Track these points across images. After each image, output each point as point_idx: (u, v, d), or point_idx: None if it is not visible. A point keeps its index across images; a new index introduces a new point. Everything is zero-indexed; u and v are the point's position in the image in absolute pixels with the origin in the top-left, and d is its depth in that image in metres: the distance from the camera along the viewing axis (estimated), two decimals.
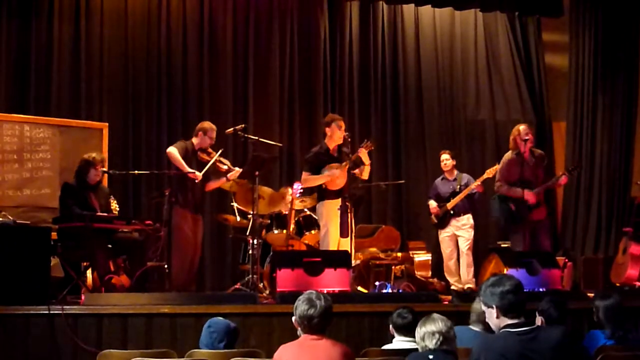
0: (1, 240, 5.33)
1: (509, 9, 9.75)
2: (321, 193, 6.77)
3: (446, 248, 7.67)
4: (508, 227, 7.28)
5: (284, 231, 7.22)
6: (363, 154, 6.59)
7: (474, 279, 7.38)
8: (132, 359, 3.85)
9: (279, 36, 9.10)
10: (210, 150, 6.68)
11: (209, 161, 6.56)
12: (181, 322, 5.20)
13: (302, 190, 7.36)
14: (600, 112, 9.30)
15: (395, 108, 9.51)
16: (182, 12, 8.83)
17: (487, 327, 3.90)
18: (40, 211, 7.34)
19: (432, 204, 7.78)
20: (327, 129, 6.80)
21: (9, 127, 7.43)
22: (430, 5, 9.52)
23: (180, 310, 5.28)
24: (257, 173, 6.51)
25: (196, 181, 6.51)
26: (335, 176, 6.60)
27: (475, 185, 7.54)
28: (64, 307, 5.14)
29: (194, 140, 6.70)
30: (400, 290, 7.09)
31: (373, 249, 7.66)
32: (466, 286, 7.25)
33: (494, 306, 3.17)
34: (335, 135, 6.72)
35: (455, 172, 7.84)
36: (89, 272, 6.29)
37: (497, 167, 7.16)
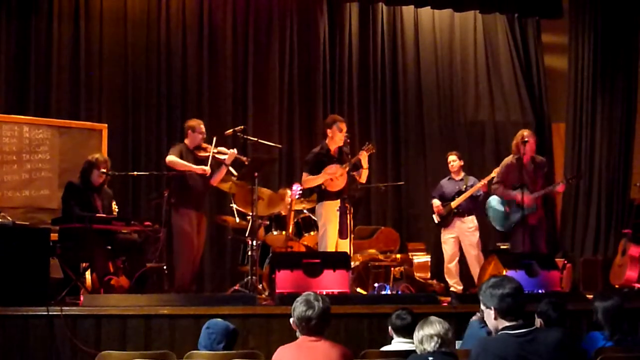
0: (0, 241, 5.33)
1: (508, 11, 9.76)
2: (321, 194, 6.78)
3: (449, 250, 7.66)
4: (504, 229, 7.32)
5: (283, 232, 7.23)
6: (363, 157, 6.59)
7: None
8: None
9: (278, 37, 9.11)
10: (204, 145, 6.69)
11: (207, 156, 6.57)
12: (180, 324, 5.20)
13: (301, 192, 7.36)
14: (599, 114, 9.30)
15: (395, 109, 9.51)
16: (182, 13, 8.83)
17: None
18: (39, 212, 7.34)
19: (436, 202, 7.75)
20: (328, 131, 6.80)
21: (8, 128, 7.43)
22: (429, 7, 9.52)
23: (179, 311, 5.28)
24: (256, 174, 6.51)
25: (206, 175, 6.53)
26: (334, 175, 6.60)
27: (480, 185, 7.54)
28: (63, 308, 5.14)
29: (186, 140, 6.72)
30: (399, 292, 7.09)
31: (372, 251, 7.66)
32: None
33: (492, 307, 3.17)
34: (336, 137, 6.72)
35: (462, 173, 7.83)
36: (88, 273, 6.28)
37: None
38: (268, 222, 7.41)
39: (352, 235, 6.43)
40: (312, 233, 7.30)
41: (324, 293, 5.08)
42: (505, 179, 7.09)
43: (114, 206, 6.74)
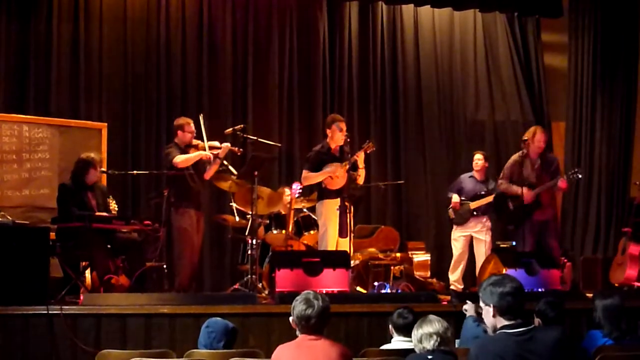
0: (0, 240, 5.33)
1: (508, 10, 9.75)
2: (321, 192, 6.78)
3: (459, 247, 7.62)
4: (508, 225, 7.32)
5: (283, 231, 7.23)
6: (360, 158, 6.59)
7: None
8: (130, 359, 3.85)
9: (278, 36, 9.10)
10: (195, 142, 6.69)
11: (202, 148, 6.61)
12: (180, 323, 5.20)
13: (301, 190, 7.37)
14: (599, 113, 9.30)
15: (395, 108, 9.50)
16: (182, 12, 8.82)
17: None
18: (39, 211, 7.34)
19: (455, 197, 7.61)
20: (328, 130, 6.81)
21: (7, 127, 7.43)
22: (429, 6, 9.52)
23: (179, 310, 5.28)
24: (256, 173, 6.51)
25: (209, 160, 6.62)
26: (334, 173, 6.60)
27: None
28: (63, 307, 5.15)
29: (176, 139, 6.75)
30: (399, 291, 7.09)
31: (372, 249, 7.66)
32: None
33: (491, 305, 3.17)
34: (336, 136, 6.73)
35: (485, 175, 7.75)
36: (87, 272, 6.28)
37: None
38: (268, 221, 7.41)
39: (352, 234, 6.43)
40: (312, 232, 7.30)
41: (324, 292, 5.11)
42: (509, 174, 7.16)
43: (114, 205, 6.74)
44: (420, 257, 7.99)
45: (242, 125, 7.03)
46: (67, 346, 5.06)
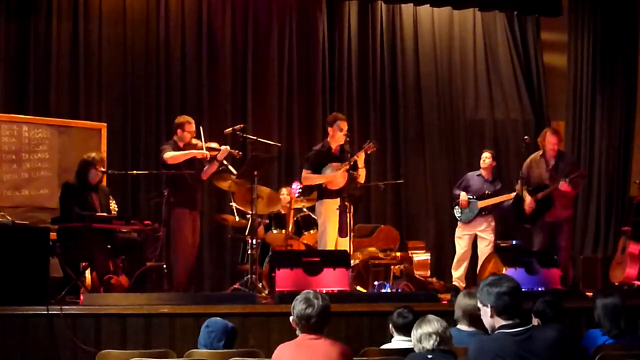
0: (0, 240, 5.33)
1: (507, 9, 9.74)
2: (321, 192, 6.78)
3: (463, 245, 7.60)
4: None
5: (283, 231, 7.23)
6: (360, 158, 6.58)
7: None
8: (131, 359, 3.85)
9: (277, 36, 9.10)
10: (194, 142, 6.68)
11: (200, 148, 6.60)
12: (180, 322, 5.20)
13: (300, 190, 7.36)
14: (599, 111, 9.29)
15: (394, 107, 9.50)
16: (181, 11, 8.82)
17: (472, 320, 3.93)
18: (38, 211, 7.34)
19: (463, 195, 7.54)
20: (329, 129, 6.80)
21: (7, 128, 7.43)
22: (429, 5, 9.51)
23: (179, 310, 5.28)
24: (255, 173, 6.51)
25: (205, 159, 6.61)
26: (335, 178, 6.59)
27: (514, 195, 7.39)
28: (63, 307, 5.15)
29: (175, 138, 6.73)
30: (399, 290, 7.10)
31: (372, 249, 7.66)
32: None
33: (488, 305, 3.17)
34: (337, 135, 6.72)
35: (492, 174, 7.72)
36: (87, 272, 6.28)
37: None
38: (267, 221, 7.42)
39: (351, 234, 6.43)
40: (311, 231, 7.30)
41: (324, 291, 5.11)
42: (527, 175, 7.26)
43: (114, 205, 6.74)
44: (420, 256, 7.99)
45: (241, 125, 7.02)
46: (67, 346, 5.06)
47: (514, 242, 8.38)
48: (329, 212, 6.58)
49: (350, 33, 9.41)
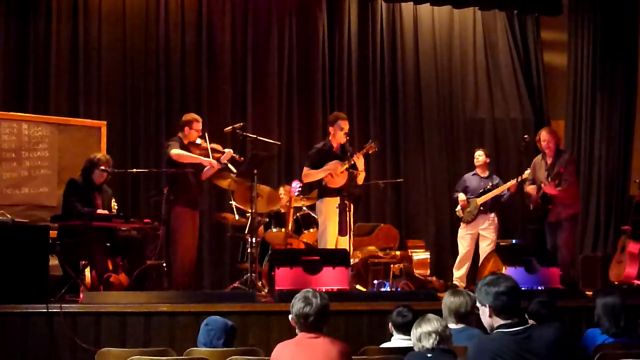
0: None
1: (507, 7, 9.74)
2: (321, 190, 6.79)
3: (466, 245, 7.64)
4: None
5: (283, 229, 7.23)
6: (359, 160, 6.59)
7: None
8: (130, 357, 3.85)
9: (277, 34, 9.09)
10: (198, 141, 6.67)
11: (202, 154, 6.56)
12: (180, 321, 5.21)
13: (300, 189, 7.37)
14: (598, 110, 9.28)
15: (394, 106, 9.50)
16: (181, 10, 8.81)
17: (459, 317, 3.94)
18: (38, 210, 7.34)
19: (462, 196, 7.66)
20: (331, 128, 6.83)
21: (7, 126, 7.43)
22: (429, 4, 9.51)
23: (178, 308, 5.28)
24: (255, 171, 6.51)
25: (213, 169, 6.58)
26: (334, 171, 6.60)
27: (510, 184, 7.50)
28: (63, 305, 5.15)
29: (181, 135, 6.70)
30: (399, 289, 7.10)
31: (372, 248, 7.67)
32: None
33: (487, 305, 3.17)
34: (338, 134, 6.75)
35: (488, 171, 7.79)
36: (87, 271, 6.28)
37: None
38: (267, 219, 7.41)
39: (351, 232, 6.43)
40: (311, 230, 7.31)
41: (324, 290, 5.11)
42: (532, 176, 7.33)
43: (114, 204, 6.74)
44: (420, 255, 7.99)
45: (241, 124, 7.02)
46: (66, 344, 5.07)
47: (514, 241, 8.40)
48: (329, 210, 6.58)
49: (350, 32, 9.40)
